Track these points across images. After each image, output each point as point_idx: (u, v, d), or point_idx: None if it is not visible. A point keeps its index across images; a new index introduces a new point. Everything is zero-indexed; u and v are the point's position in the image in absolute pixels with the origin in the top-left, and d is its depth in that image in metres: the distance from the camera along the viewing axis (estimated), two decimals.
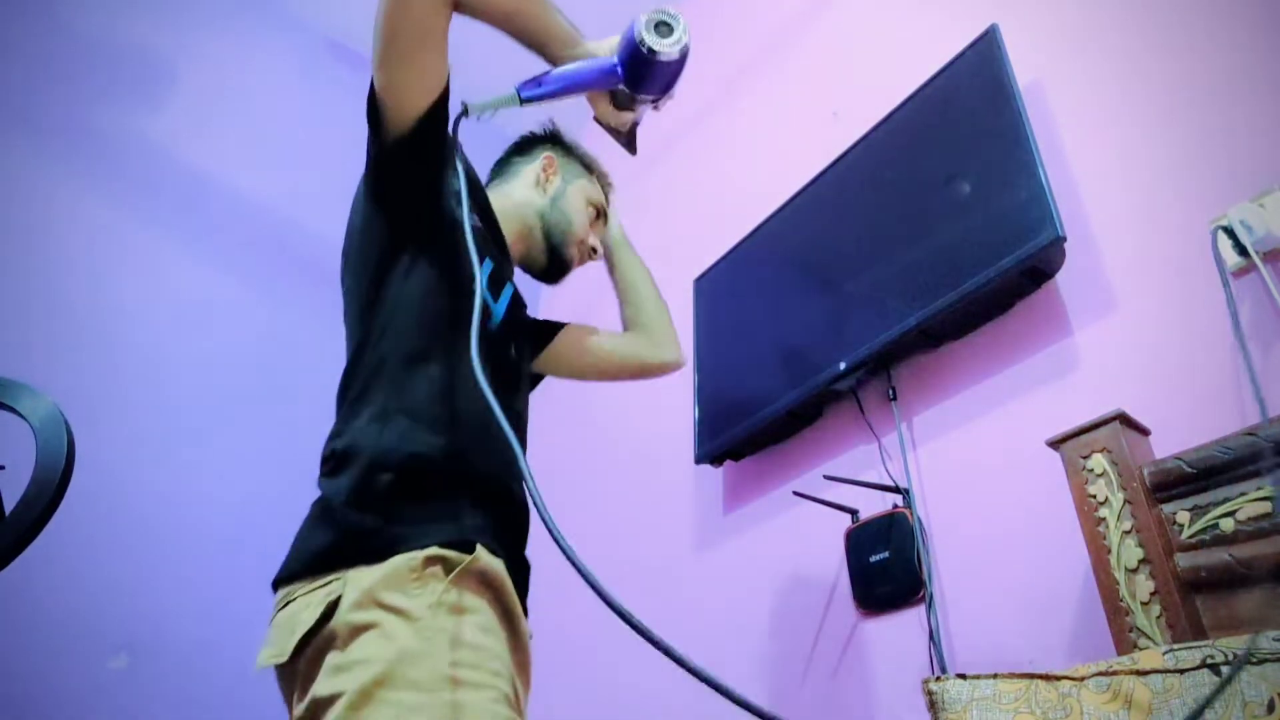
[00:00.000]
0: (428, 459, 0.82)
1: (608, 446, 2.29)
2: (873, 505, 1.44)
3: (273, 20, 2.78)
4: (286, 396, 2.25)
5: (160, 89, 2.41)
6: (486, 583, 0.78)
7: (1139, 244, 1.23)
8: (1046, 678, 0.78)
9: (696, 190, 2.40)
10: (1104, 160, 1.31)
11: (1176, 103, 1.24)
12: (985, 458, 1.32)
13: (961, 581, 1.28)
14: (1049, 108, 1.41)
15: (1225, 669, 0.70)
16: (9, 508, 0.97)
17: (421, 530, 0.77)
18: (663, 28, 0.87)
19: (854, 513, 1.46)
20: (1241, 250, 1.06)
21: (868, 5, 1.98)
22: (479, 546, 0.78)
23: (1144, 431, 1.03)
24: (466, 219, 0.87)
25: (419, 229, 0.94)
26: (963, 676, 0.82)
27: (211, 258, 2.31)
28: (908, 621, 1.32)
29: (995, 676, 0.80)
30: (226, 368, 2.18)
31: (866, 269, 1.51)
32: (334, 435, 0.87)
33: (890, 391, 1.47)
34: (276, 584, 0.81)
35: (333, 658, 0.71)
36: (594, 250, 1.25)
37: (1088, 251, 1.28)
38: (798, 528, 1.59)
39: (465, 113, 0.92)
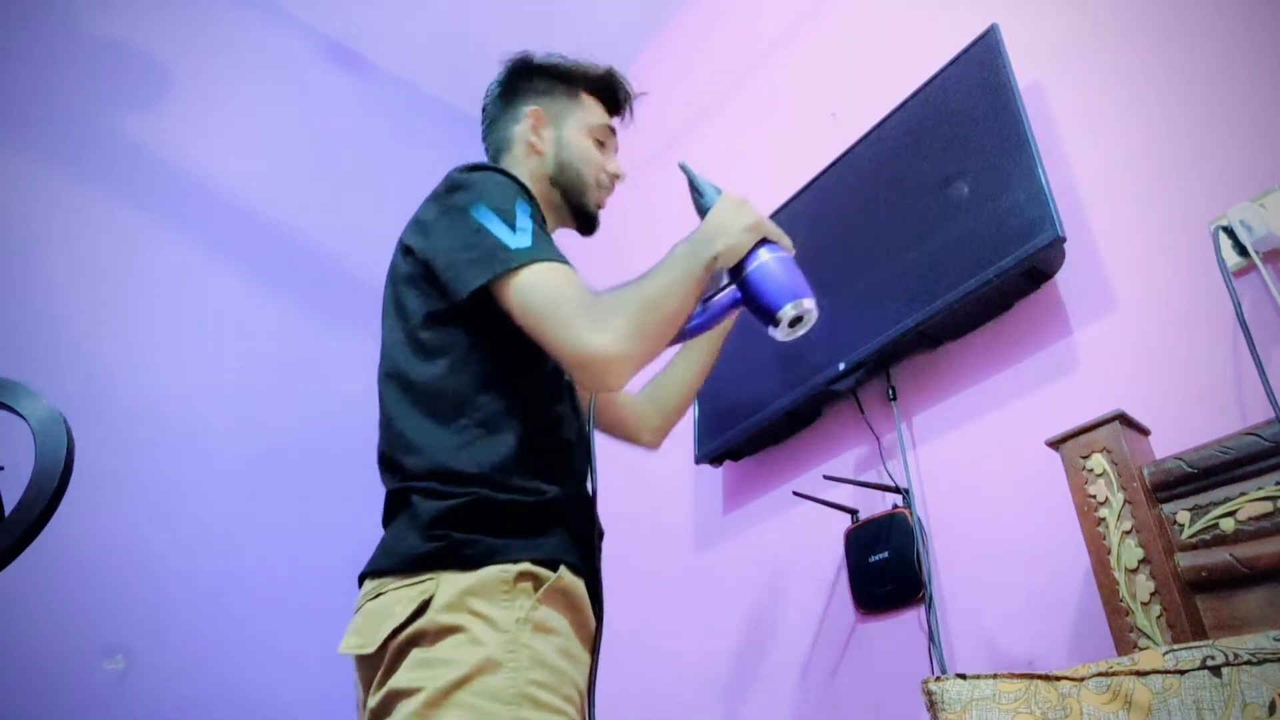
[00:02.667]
0: (525, 485, 0.85)
1: (607, 446, 2.29)
2: (873, 505, 1.44)
3: (273, 21, 2.78)
4: (288, 396, 2.25)
5: (160, 90, 2.41)
6: (570, 604, 0.82)
7: (1139, 244, 1.23)
8: (1046, 678, 0.78)
9: None
10: (1104, 160, 1.31)
11: (1176, 103, 1.24)
12: (985, 458, 1.32)
13: (961, 581, 1.28)
14: (1049, 108, 1.41)
15: (1226, 670, 0.70)
16: (9, 508, 0.97)
17: (515, 545, 0.80)
18: (797, 324, 0.90)
19: (854, 513, 1.46)
20: (1241, 250, 1.06)
21: (868, 5, 1.98)
22: (563, 566, 0.82)
23: (1144, 431, 1.03)
24: None
25: None
26: (962, 676, 0.82)
27: (211, 258, 2.31)
28: (908, 622, 1.32)
29: (995, 676, 0.80)
30: (227, 367, 2.18)
31: (866, 269, 1.51)
32: (415, 447, 0.88)
33: (890, 391, 1.47)
34: (366, 576, 0.85)
35: (418, 653, 0.74)
36: (615, 177, 1.16)
37: (1088, 251, 1.28)
38: (797, 528, 1.59)
39: None
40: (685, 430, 1.94)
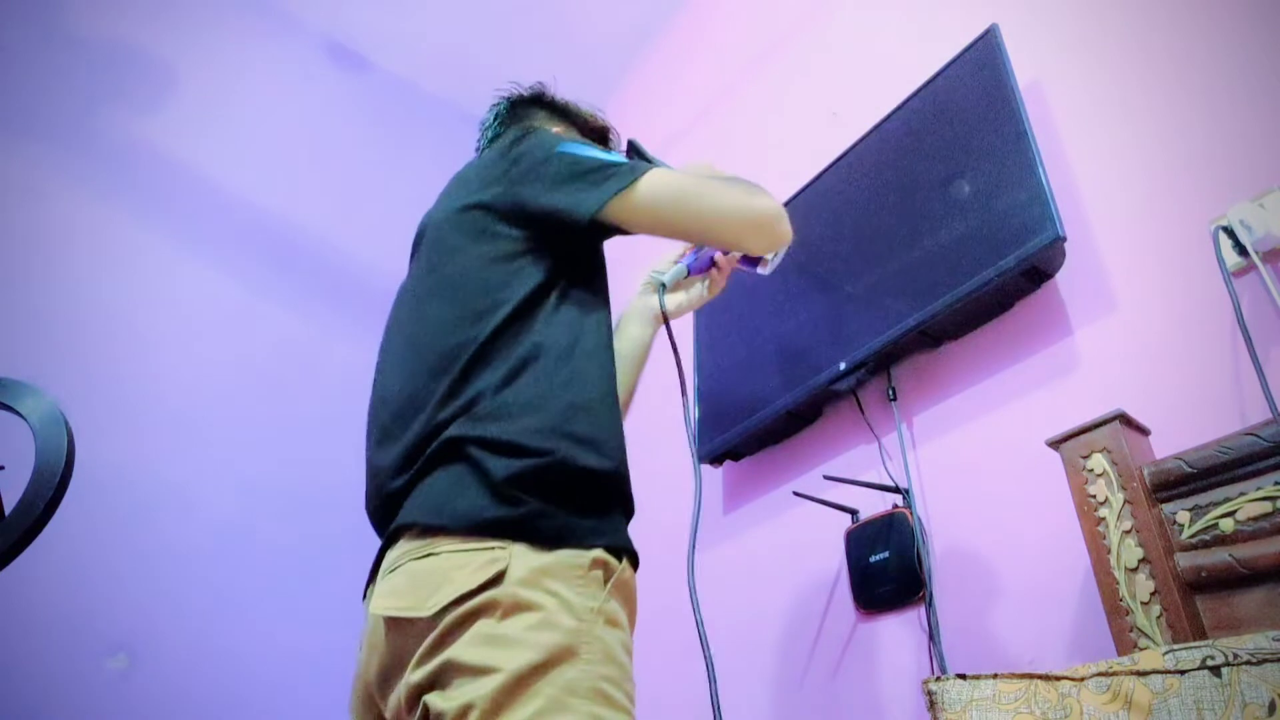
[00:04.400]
0: (602, 449, 0.81)
1: None
2: (873, 505, 1.44)
3: (273, 21, 2.78)
4: (287, 396, 2.25)
5: (161, 91, 2.41)
6: (628, 597, 0.78)
7: (1139, 244, 1.23)
8: (1046, 678, 0.78)
9: None
10: (1104, 160, 1.31)
11: (1176, 103, 1.24)
12: (985, 458, 1.32)
13: (961, 581, 1.28)
14: (1049, 108, 1.41)
15: (1226, 670, 0.70)
16: (9, 508, 0.97)
17: (590, 528, 0.76)
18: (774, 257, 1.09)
19: (854, 513, 1.46)
20: (1241, 250, 1.06)
21: (868, 5, 1.98)
22: (625, 558, 0.78)
23: (1144, 431, 1.03)
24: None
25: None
26: (962, 676, 0.82)
27: (211, 258, 2.31)
28: (908, 621, 1.32)
29: (995, 676, 0.80)
30: (227, 368, 2.18)
31: (866, 269, 1.51)
32: (471, 394, 0.81)
33: (890, 391, 1.47)
34: (402, 532, 0.77)
35: (486, 626, 0.68)
36: None
37: (1088, 251, 1.28)
38: (798, 528, 1.59)
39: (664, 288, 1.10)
40: (685, 430, 1.94)
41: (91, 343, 1.99)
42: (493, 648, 0.67)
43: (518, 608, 0.69)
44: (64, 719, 1.66)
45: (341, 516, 1.90)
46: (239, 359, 2.22)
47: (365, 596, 0.86)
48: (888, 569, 1.35)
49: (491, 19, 2.80)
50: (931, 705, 0.82)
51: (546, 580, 0.71)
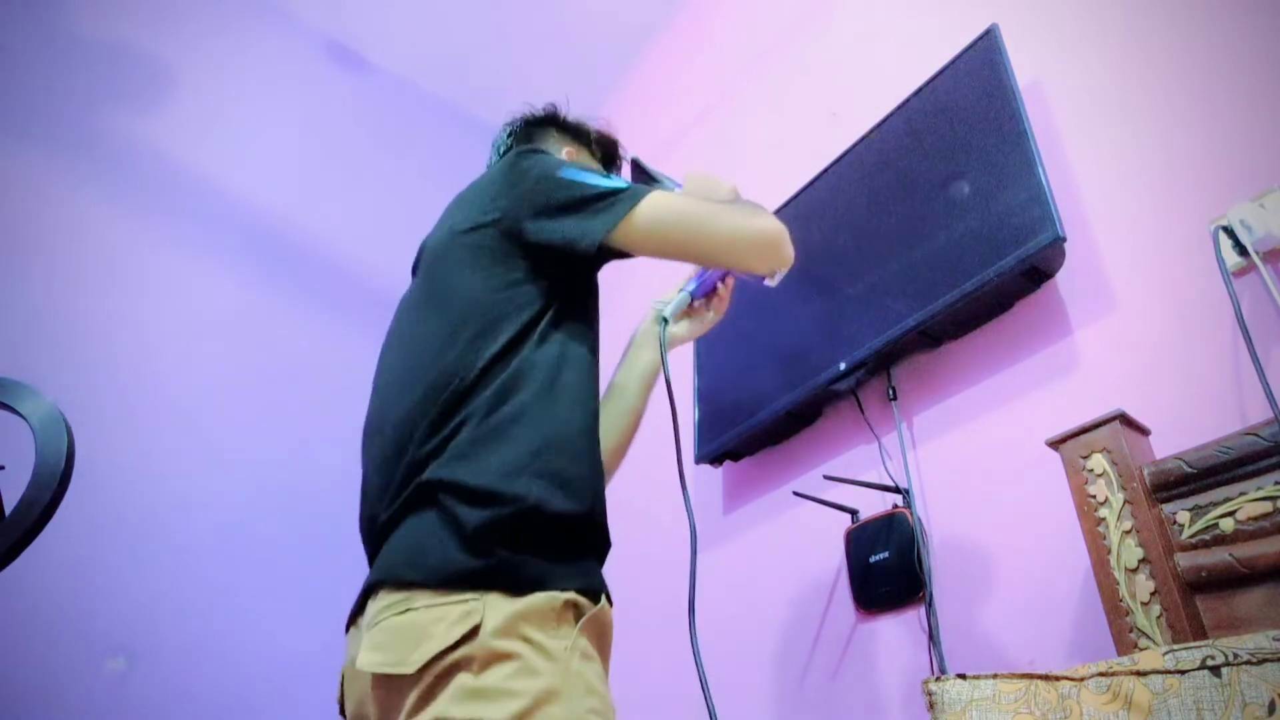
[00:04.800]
0: (574, 492, 0.82)
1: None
2: (873, 505, 1.44)
3: (273, 21, 2.78)
4: (287, 398, 2.25)
5: (161, 91, 2.41)
6: (601, 634, 0.79)
7: (1139, 244, 1.23)
8: (1046, 678, 0.78)
9: None
10: (1104, 160, 1.31)
11: (1176, 102, 1.24)
12: (985, 458, 1.32)
13: (961, 581, 1.28)
14: (1049, 108, 1.41)
15: (1226, 670, 0.70)
16: (9, 508, 0.97)
17: (562, 574, 0.77)
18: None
19: (854, 513, 1.46)
20: (1241, 250, 1.06)
21: (868, 5, 1.98)
22: (603, 597, 0.80)
23: (1144, 431, 1.03)
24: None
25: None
26: (962, 677, 0.82)
27: (211, 258, 2.31)
28: (908, 621, 1.32)
29: (995, 677, 0.80)
30: (227, 369, 2.19)
31: (866, 269, 1.51)
32: (443, 435, 0.81)
33: (890, 391, 1.47)
34: (380, 585, 0.78)
35: (465, 680, 0.69)
36: None
37: (1088, 251, 1.28)
38: (798, 528, 1.59)
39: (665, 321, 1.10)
40: (685, 431, 1.94)
41: (91, 343, 1.99)
42: (477, 701, 0.68)
43: (494, 659, 0.70)
44: (63, 719, 1.66)
45: (341, 517, 1.90)
46: (239, 359, 2.22)
47: (348, 630, 0.88)
48: (888, 569, 1.35)
49: (491, 19, 2.80)
50: (931, 705, 0.82)
51: (522, 626, 0.72)
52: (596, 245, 0.88)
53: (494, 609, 0.72)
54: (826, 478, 1.42)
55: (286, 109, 2.67)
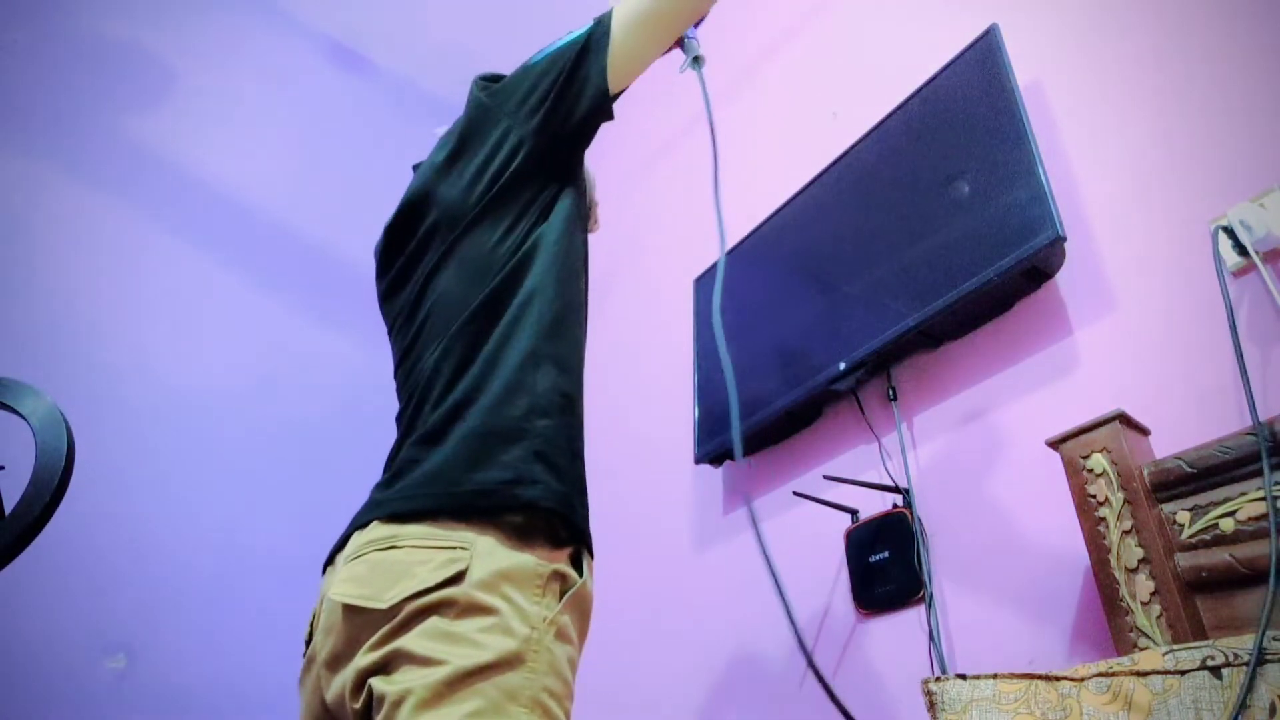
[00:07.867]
0: (568, 461, 0.85)
1: (607, 446, 2.29)
2: (873, 505, 1.44)
3: (273, 20, 2.78)
4: (286, 395, 2.25)
5: (161, 91, 2.41)
6: (583, 613, 0.80)
7: (1139, 244, 1.23)
8: (1046, 678, 0.78)
9: (697, 190, 2.40)
10: (1104, 160, 1.31)
11: (1176, 103, 1.24)
12: (985, 458, 1.32)
13: (961, 581, 1.28)
14: (1049, 108, 1.41)
15: (1226, 670, 0.70)
16: (9, 508, 0.97)
17: (560, 519, 0.79)
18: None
19: (854, 513, 1.46)
20: (1241, 250, 1.06)
21: (868, 5, 1.98)
22: (586, 569, 0.80)
23: (1144, 431, 1.03)
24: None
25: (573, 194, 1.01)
26: (962, 676, 0.82)
27: (211, 258, 2.31)
28: (908, 621, 1.32)
29: (995, 677, 0.80)
30: (226, 367, 2.19)
31: (866, 269, 1.51)
32: (474, 361, 0.86)
33: (890, 391, 1.47)
34: (375, 517, 0.79)
35: (439, 622, 0.70)
36: (595, 204, 1.25)
37: (1088, 251, 1.28)
38: (798, 528, 1.59)
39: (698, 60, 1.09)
40: (685, 430, 1.94)
41: (91, 343, 1.99)
42: (443, 643, 0.69)
43: (473, 609, 0.71)
44: (63, 719, 1.66)
45: (341, 516, 1.90)
46: (239, 358, 2.22)
47: (325, 569, 0.87)
48: (888, 569, 1.35)
49: (491, 18, 2.80)
50: (931, 705, 0.82)
51: (505, 585, 0.72)
52: (605, 78, 0.95)
53: (481, 560, 0.73)
54: (826, 478, 1.42)
55: (286, 109, 2.67)
